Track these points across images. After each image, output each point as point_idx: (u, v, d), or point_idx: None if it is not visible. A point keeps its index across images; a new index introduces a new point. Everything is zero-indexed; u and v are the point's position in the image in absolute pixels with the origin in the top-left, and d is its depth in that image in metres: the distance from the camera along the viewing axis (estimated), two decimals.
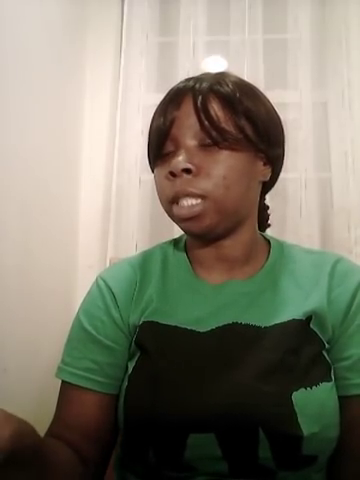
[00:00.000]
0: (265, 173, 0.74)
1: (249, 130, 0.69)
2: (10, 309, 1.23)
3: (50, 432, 0.72)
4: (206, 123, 0.66)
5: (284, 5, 1.71)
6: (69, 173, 1.63)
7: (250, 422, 0.63)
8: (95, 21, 1.75)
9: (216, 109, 0.67)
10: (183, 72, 1.63)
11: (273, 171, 0.75)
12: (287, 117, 1.62)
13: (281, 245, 0.79)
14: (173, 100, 0.70)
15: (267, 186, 0.78)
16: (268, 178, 0.75)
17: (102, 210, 1.70)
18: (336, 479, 0.70)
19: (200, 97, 0.68)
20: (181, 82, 0.72)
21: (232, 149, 0.67)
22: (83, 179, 1.71)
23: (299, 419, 0.62)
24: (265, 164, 0.73)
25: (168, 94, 0.72)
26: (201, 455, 0.64)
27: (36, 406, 1.23)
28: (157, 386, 0.67)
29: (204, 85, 0.69)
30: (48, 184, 1.45)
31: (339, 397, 0.68)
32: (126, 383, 0.70)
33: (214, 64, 1.75)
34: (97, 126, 1.73)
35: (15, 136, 1.25)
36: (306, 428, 0.62)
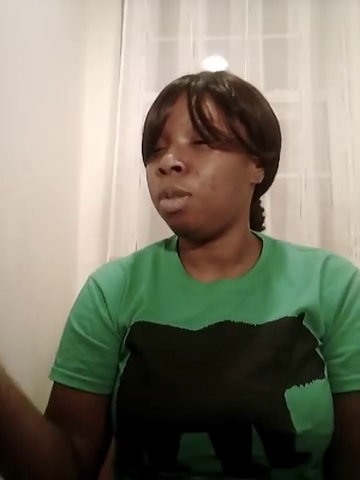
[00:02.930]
0: (258, 175, 0.73)
1: (242, 131, 0.68)
2: (10, 307, 1.23)
3: None
4: (199, 122, 0.66)
5: (284, 5, 1.71)
6: (69, 173, 1.63)
7: (243, 420, 0.63)
8: (95, 21, 1.75)
9: (210, 108, 0.67)
10: (183, 72, 1.60)
11: (267, 173, 0.75)
12: (287, 117, 1.62)
13: (273, 243, 0.79)
14: (168, 97, 0.70)
15: (261, 188, 0.77)
16: (261, 181, 0.74)
17: (102, 209, 1.70)
18: (332, 475, 0.71)
19: (195, 95, 0.68)
20: (177, 79, 0.73)
21: (223, 149, 0.67)
22: (83, 179, 1.71)
23: (292, 417, 0.62)
24: (258, 166, 0.73)
25: (163, 90, 0.73)
26: (194, 455, 0.64)
27: (35, 405, 1.23)
28: (149, 386, 0.67)
29: (200, 83, 0.69)
30: (48, 183, 1.45)
31: (333, 394, 0.68)
32: (118, 384, 0.70)
33: (214, 64, 1.75)
34: (97, 126, 1.73)
35: (15, 136, 1.25)
36: (299, 425, 0.62)
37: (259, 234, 0.81)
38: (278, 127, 0.75)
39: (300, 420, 0.62)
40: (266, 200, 1.58)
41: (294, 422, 0.62)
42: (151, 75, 1.73)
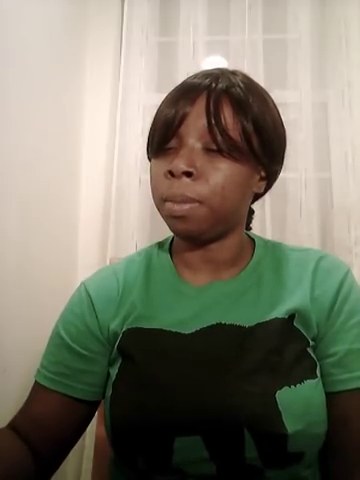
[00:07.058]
0: (260, 186, 0.74)
1: (255, 141, 0.68)
2: (10, 309, 1.23)
3: (12, 422, 0.74)
4: (215, 129, 0.66)
5: (284, 5, 1.71)
6: (69, 173, 1.63)
7: (235, 423, 0.63)
8: (95, 21, 1.75)
9: (226, 114, 0.67)
10: (183, 72, 1.63)
11: (268, 184, 0.76)
12: (287, 117, 1.61)
13: (265, 244, 0.79)
14: (187, 95, 0.68)
15: (257, 196, 0.78)
16: (262, 191, 0.75)
17: (102, 210, 1.70)
18: (328, 474, 0.71)
19: (214, 99, 0.67)
20: (197, 77, 0.71)
21: (234, 159, 0.67)
22: (83, 179, 1.71)
23: (283, 417, 0.62)
24: (262, 178, 0.73)
25: (182, 86, 0.71)
26: (189, 458, 0.65)
27: None
28: (142, 391, 0.67)
29: (220, 87, 0.68)
30: (48, 184, 1.45)
31: (326, 393, 0.69)
32: (110, 391, 0.70)
33: (214, 64, 1.75)
34: (97, 126, 1.73)
35: (15, 136, 1.25)
36: (291, 426, 0.62)
37: (251, 234, 0.81)
38: (285, 140, 0.76)
39: (292, 421, 0.63)
40: (266, 200, 1.58)
41: (286, 423, 0.62)
42: (151, 75, 1.73)
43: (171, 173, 0.66)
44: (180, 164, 0.65)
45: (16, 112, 1.26)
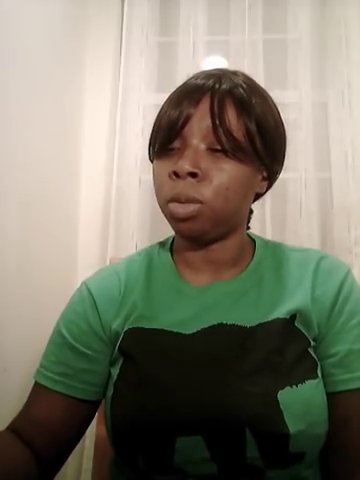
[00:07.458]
0: (262, 186, 0.75)
1: (258, 141, 0.69)
2: (10, 309, 1.23)
3: (13, 424, 0.73)
4: (220, 130, 0.66)
5: (284, 5, 1.71)
6: (69, 173, 1.63)
7: (236, 423, 0.63)
8: (95, 21, 1.75)
9: (230, 115, 0.67)
10: (183, 72, 1.62)
11: (269, 184, 0.76)
12: (287, 117, 1.61)
13: (266, 244, 0.79)
14: (191, 97, 0.68)
15: (258, 196, 0.78)
16: (263, 191, 0.76)
17: (102, 210, 1.70)
18: (329, 474, 0.71)
19: (218, 100, 0.67)
20: (201, 77, 0.71)
21: (239, 160, 0.67)
22: (83, 179, 1.71)
23: (285, 417, 0.63)
24: (263, 179, 0.74)
25: (185, 87, 0.71)
26: (190, 458, 0.65)
27: None
28: (144, 391, 0.67)
29: (223, 88, 0.68)
30: (48, 184, 1.45)
31: (327, 394, 0.69)
32: (111, 391, 0.70)
33: (214, 64, 1.75)
34: (97, 126, 1.73)
35: (15, 136, 1.25)
36: (292, 426, 0.62)
37: (252, 235, 0.81)
38: (285, 139, 0.77)
39: (293, 420, 0.63)
40: (266, 200, 1.58)
41: (287, 423, 0.62)
42: (151, 75, 1.73)
43: (176, 174, 0.66)
44: (185, 165, 0.65)
45: (16, 112, 1.26)
